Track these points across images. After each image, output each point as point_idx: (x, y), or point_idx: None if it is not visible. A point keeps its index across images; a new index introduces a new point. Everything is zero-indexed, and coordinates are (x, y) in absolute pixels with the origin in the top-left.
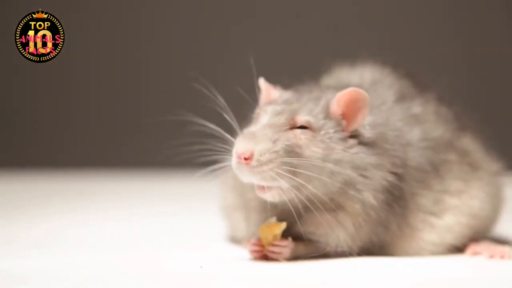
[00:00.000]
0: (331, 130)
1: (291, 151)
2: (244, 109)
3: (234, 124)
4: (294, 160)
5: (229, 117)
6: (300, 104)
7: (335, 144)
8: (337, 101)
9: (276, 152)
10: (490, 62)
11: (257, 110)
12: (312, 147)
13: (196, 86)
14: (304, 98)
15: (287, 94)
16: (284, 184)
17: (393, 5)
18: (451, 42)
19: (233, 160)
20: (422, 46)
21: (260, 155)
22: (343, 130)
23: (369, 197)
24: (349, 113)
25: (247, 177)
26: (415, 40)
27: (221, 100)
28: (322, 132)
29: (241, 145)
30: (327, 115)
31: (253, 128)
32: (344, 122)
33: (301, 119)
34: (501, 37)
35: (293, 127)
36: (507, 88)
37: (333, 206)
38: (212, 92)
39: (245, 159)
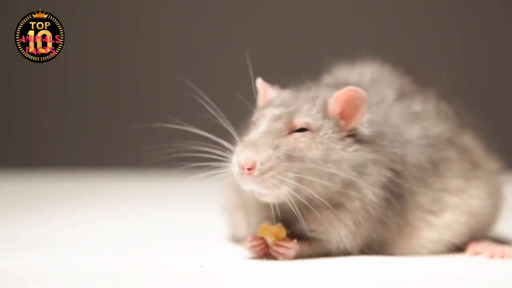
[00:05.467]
0: (330, 131)
1: (292, 156)
2: (243, 109)
3: (232, 131)
4: (296, 165)
5: (226, 124)
6: (297, 105)
7: (334, 144)
8: (335, 101)
9: (278, 158)
10: (491, 58)
11: (255, 115)
12: (312, 149)
13: (190, 94)
14: (301, 98)
15: (284, 94)
16: (286, 189)
17: (393, 0)
18: (451, 38)
19: (235, 170)
20: (422, 42)
21: (262, 164)
22: (341, 130)
23: (369, 193)
24: (347, 112)
25: (250, 186)
26: (415, 36)
27: (215, 111)
28: (321, 133)
29: (242, 155)
30: (325, 115)
31: (252, 135)
32: (342, 122)
33: (300, 121)
34: (502, 33)
35: (292, 130)
36: (508, 85)
37: (333, 204)
38: (206, 100)
39: (248, 169)
